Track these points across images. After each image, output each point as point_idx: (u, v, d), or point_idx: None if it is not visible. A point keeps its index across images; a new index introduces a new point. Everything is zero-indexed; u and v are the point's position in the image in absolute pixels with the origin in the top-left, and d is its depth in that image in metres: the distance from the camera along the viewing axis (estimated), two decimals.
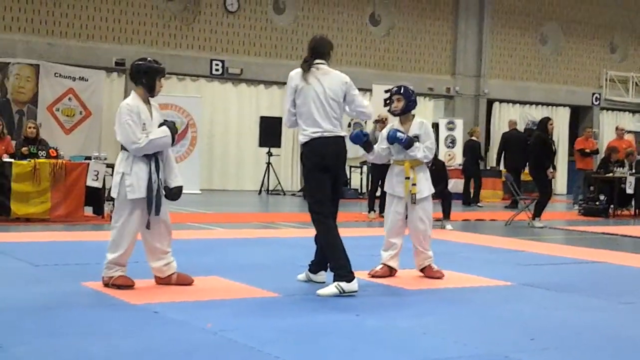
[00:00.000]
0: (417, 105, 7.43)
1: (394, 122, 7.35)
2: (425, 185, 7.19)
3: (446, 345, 4.71)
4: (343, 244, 6.21)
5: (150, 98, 6.26)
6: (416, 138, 7.14)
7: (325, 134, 6.26)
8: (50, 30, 18.80)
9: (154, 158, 6.15)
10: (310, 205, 6.34)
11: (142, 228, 6.18)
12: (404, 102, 7.20)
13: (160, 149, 6.17)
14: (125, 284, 6.10)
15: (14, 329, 4.75)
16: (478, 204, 17.95)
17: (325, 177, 6.27)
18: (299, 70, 6.39)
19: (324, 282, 6.45)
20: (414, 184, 7.10)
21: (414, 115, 7.35)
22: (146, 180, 6.08)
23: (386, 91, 17.62)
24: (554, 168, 13.55)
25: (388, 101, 7.35)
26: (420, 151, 7.13)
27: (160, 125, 6.21)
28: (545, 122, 13.55)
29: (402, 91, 7.23)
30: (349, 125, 21.80)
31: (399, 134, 7.10)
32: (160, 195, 6.15)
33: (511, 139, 18.66)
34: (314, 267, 6.62)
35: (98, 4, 19.29)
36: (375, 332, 5.01)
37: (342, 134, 6.40)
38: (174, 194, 6.28)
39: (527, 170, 15.89)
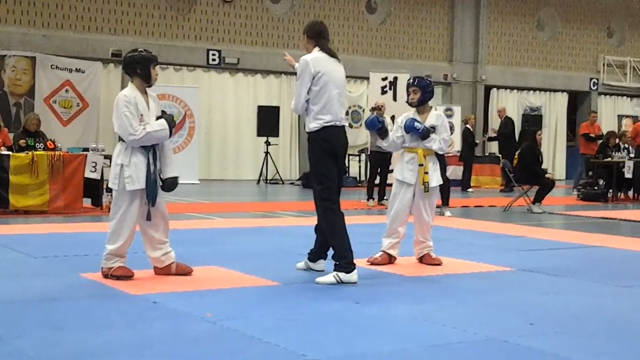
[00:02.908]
0: (433, 96, 7.42)
1: (410, 111, 7.35)
2: (435, 175, 7.21)
3: (446, 331, 4.72)
4: (348, 235, 6.21)
5: (147, 88, 6.25)
6: (432, 129, 7.15)
7: (338, 123, 6.25)
8: (46, 22, 18.75)
9: (151, 149, 6.14)
10: (318, 193, 6.27)
11: (140, 219, 6.18)
12: (420, 93, 7.23)
13: (158, 141, 6.16)
14: (125, 275, 6.10)
15: (14, 320, 4.75)
16: (469, 190, 18.02)
17: (334, 165, 6.26)
18: (317, 55, 6.28)
19: (322, 271, 6.46)
20: (426, 172, 7.11)
21: (431, 107, 7.38)
22: (145, 171, 6.08)
23: (383, 79, 17.62)
24: (545, 171, 13.76)
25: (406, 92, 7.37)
26: (437, 143, 7.16)
27: (159, 118, 6.20)
28: (533, 133, 13.88)
29: (417, 83, 7.25)
30: (347, 113, 21.81)
31: (416, 123, 7.11)
32: (157, 186, 6.15)
33: (505, 127, 18.95)
34: (313, 256, 6.62)
35: None
36: (375, 319, 5.01)
37: (347, 123, 6.40)
38: (169, 184, 6.27)
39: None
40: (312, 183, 6.38)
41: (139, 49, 6.35)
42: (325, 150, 6.21)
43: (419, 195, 7.18)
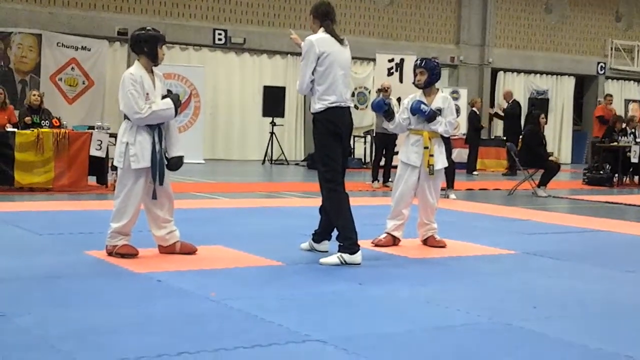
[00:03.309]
0: (439, 79, 7.38)
1: (417, 93, 7.31)
2: (440, 158, 7.19)
3: (449, 313, 4.72)
4: (352, 216, 6.20)
5: (154, 67, 6.24)
6: (439, 111, 7.13)
7: (343, 104, 6.23)
8: None
9: (157, 128, 6.14)
10: (322, 174, 6.26)
11: (146, 197, 6.18)
12: (427, 75, 7.19)
13: (163, 120, 6.16)
14: (129, 253, 6.11)
15: (17, 298, 4.77)
16: (474, 173, 18.02)
17: (339, 147, 6.24)
18: (322, 36, 6.25)
19: (326, 252, 6.46)
20: (431, 155, 7.09)
21: (438, 89, 7.35)
22: (150, 149, 6.08)
23: (389, 60, 17.56)
24: (550, 154, 13.69)
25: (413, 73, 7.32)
26: (442, 125, 7.13)
27: (164, 97, 6.19)
28: (536, 117, 13.75)
29: (424, 64, 7.21)
30: (353, 95, 21.76)
31: (422, 106, 7.08)
32: (163, 164, 6.15)
33: (512, 109, 18.94)
34: (317, 237, 6.63)
35: None
36: (379, 301, 5.02)
37: (352, 104, 6.39)
38: (174, 163, 6.27)
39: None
40: (317, 164, 6.36)
41: (147, 28, 6.33)
42: (330, 131, 6.19)
43: (424, 178, 7.17)
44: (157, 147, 6.10)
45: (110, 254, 6.14)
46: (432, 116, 7.09)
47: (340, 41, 6.33)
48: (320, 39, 6.24)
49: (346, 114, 6.29)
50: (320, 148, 6.29)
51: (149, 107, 6.04)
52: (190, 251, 6.35)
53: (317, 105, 6.22)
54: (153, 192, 6.14)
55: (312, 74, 6.20)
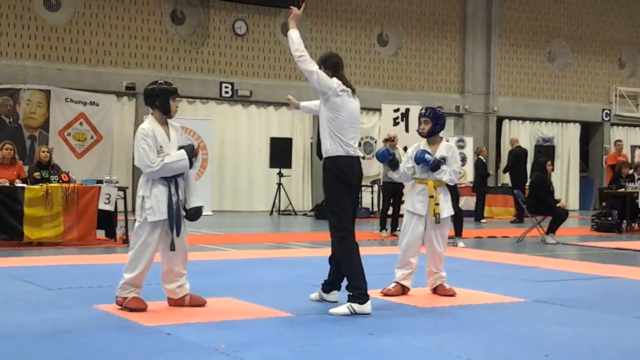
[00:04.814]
0: (444, 128, 7.43)
1: (421, 142, 7.36)
2: (446, 206, 7.21)
3: None
4: (362, 265, 6.20)
5: (168, 119, 6.31)
6: (443, 160, 7.17)
7: (352, 153, 6.28)
8: (60, 56, 18.95)
9: (173, 180, 6.18)
10: (332, 223, 6.28)
11: (163, 250, 6.21)
12: (431, 124, 7.24)
13: (177, 172, 6.20)
14: (138, 307, 6.11)
15: (28, 353, 4.76)
16: (482, 220, 18.01)
17: (349, 195, 6.28)
18: (339, 81, 6.31)
19: (336, 302, 6.44)
20: (437, 204, 7.11)
21: (441, 138, 7.39)
22: (166, 202, 6.12)
23: (395, 110, 17.67)
24: (557, 201, 13.67)
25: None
26: (447, 174, 7.17)
27: (180, 148, 6.24)
28: (543, 163, 13.83)
29: (428, 113, 7.26)
30: (360, 145, 21.83)
31: (427, 155, 7.12)
32: (180, 216, 6.18)
33: (517, 156, 19.01)
34: (327, 287, 6.62)
35: (108, 29, 19.45)
36: (390, 351, 5.00)
37: (361, 154, 6.49)
38: (193, 214, 6.30)
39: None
40: (327, 213, 6.39)
41: (159, 81, 6.43)
42: (339, 180, 6.22)
43: (431, 226, 7.18)
44: (174, 198, 6.14)
45: (119, 304, 6.15)
46: (436, 165, 7.12)
47: (352, 92, 6.40)
48: (339, 84, 6.31)
49: (355, 163, 6.33)
50: (330, 197, 6.32)
51: (161, 160, 6.10)
52: (199, 304, 6.35)
53: (330, 151, 6.26)
54: (171, 243, 6.17)
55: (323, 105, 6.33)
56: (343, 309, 6.08)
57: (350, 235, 6.25)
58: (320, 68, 6.37)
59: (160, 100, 6.25)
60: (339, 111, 6.26)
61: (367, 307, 6.09)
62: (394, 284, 7.15)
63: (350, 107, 6.33)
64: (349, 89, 6.35)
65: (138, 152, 6.14)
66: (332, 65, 6.43)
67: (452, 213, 7.35)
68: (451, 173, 7.20)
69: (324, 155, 6.34)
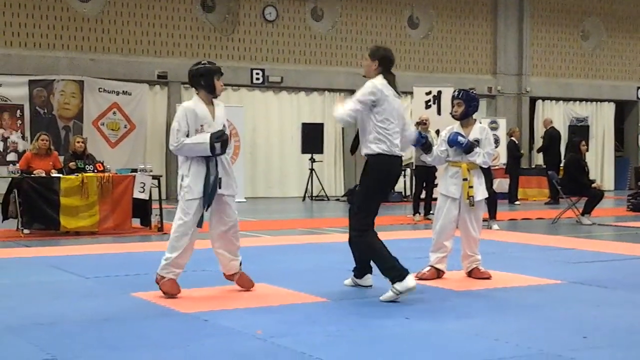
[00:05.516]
0: (477, 110, 7.37)
1: (454, 125, 7.31)
2: (480, 189, 7.17)
3: (498, 346, 4.68)
4: (386, 247, 6.14)
5: (213, 99, 6.37)
6: (477, 142, 7.13)
7: (396, 153, 6.25)
8: (93, 46, 19.08)
9: (213, 159, 6.22)
10: (359, 218, 6.23)
11: (216, 229, 6.31)
12: (464, 106, 7.20)
13: (197, 154, 6.20)
14: (170, 292, 6.17)
15: (67, 341, 4.82)
16: (516, 202, 17.91)
17: (383, 196, 6.35)
18: (383, 83, 6.24)
19: (370, 286, 6.44)
20: (470, 187, 7.07)
21: (475, 120, 7.35)
22: (202, 181, 6.17)
23: (427, 93, 17.58)
24: (593, 182, 13.53)
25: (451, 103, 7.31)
26: (481, 157, 7.13)
27: (216, 132, 6.24)
28: (577, 144, 13.69)
29: (461, 95, 7.22)
30: None
31: (460, 137, 7.08)
32: (214, 194, 6.22)
33: (551, 137, 18.85)
34: (358, 272, 6.62)
35: (139, 18, 19.53)
36: (426, 335, 5.00)
37: (403, 154, 6.44)
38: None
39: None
40: (357, 204, 6.34)
41: (202, 62, 6.50)
42: (379, 179, 6.21)
43: (465, 209, 7.14)
44: (211, 177, 6.18)
45: (157, 282, 6.24)
46: (469, 147, 7.07)
47: (397, 93, 6.35)
48: (383, 84, 6.23)
49: (396, 163, 6.29)
50: (365, 191, 6.30)
51: (183, 140, 6.14)
52: (246, 286, 6.45)
53: (376, 148, 6.17)
54: (200, 220, 6.23)
55: (367, 110, 6.17)
56: (389, 294, 6.01)
57: (370, 229, 6.20)
58: (369, 58, 6.34)
59: (204, 79, 6.32)
60: (383, 114, 6.19)
61: (409, 282, 5.97)
62: (429, 268, 7.13)
63: (392, 106, 6.24)
64: (388, 93, 6.22)
65: (172, 128, 6.27)
66: (384, 60, 6.33)
67: (486, 195, 7.31)
68: (484, 155, 7.16)
69: (370, 153, 6.23)
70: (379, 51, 6.39)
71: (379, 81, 6.25)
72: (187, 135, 6.18)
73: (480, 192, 7.19)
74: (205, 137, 6.19)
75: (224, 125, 6.34)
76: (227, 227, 6.39)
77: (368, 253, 6.28)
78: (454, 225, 7.19)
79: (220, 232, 6.38)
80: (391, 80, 6.32)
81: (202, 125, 6.20)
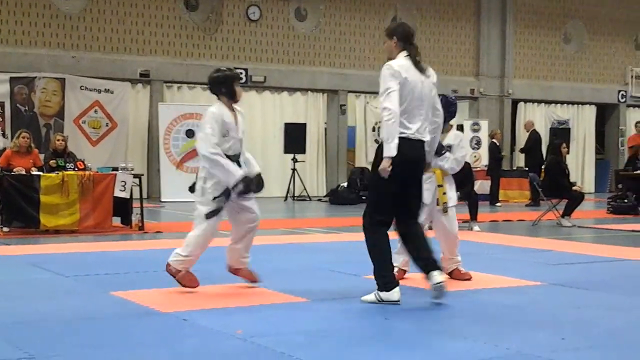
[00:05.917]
0: (455, 116, 7.37)
1: None
2: (452, 194, 7.21)
3: (478, 346, 4.70)
4: (390, 253, 6.00)
5: (234, 104, 6.47)
6: (448, 148, 7.14)
7: (412, 136, 5.87)
8: (75, 44, 18.98)
9: (235, 162, 6.40)
10: (369, 213, 6.01)
11: (235, 225, 6.57)
12: None
13: (220, 177, 6.28)
14: (190, 285, 6.33)
15: (46, 340, 4.80)
16: (497, 204, 18.00)
17: (394, 185, 5.84)
18: (403, 63, 5.93)
19: (442, 282, 5.93)
20: (444, 193, 7.09)
21: (452, 126, 7.37)
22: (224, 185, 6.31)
23: None
24: (573, 184, 13.62)
25: None
26: (449, 162, 7.15)
27: (250, 176, 6.45)
28: (558, 146, 13.79)
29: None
30: (373, 130, 21.84)
31: None
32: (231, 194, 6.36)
33: (534, 140, 19.02)
34: (424, 270, 6.05)
35: (122, 16, 19.44)
36: (406, 335, 5.00)
37: (427, 138, 6.03)
38: (257, 182, 6.63)
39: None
40: (367, 198, 6.32)
41: (221, 69, 6.64)
42: (394, 163, 5.73)
43: (439, 214, 7.15)
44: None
45: (170, 273, 6.35)
46: (438, 150, 7.03)
47: (422, 70, 6.06)
48: (402, 65, 5.95)
49: (415, 147, 5.90)
50: (374, 183, 6.07)
51: (221, 155, 6.23)
52: (251, 279, 6.64)
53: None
54: (209, 212, 6.34)
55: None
56: (371, 296, 5.95)
57: (385, 227, 6.00)
58: (388, 38, 6.16)
59: (225, 86, 6.42)
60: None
61: (394, 295, 5.86)
62: (396, 269, 7.10)
63: (407, 88, 5.90)
64: (406, 75, 5.89)
65: (204, 132, 6.29)
66: (403, 36, 6.13)
67: (456, 203, 7.34)
68: (452, 161, 7.18)
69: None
70: (396, 27, 6.25)
71: (396, 62, 5.95)
72: None
73: (453, 198, 7.24)
74: (237, 172, 6.30)
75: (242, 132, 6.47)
76: (254, 223, 6.71)
77: (369, 250, 6.06)
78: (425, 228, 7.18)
79: (247, 229, 6.66)
80: (413, 53, 6.06)
81: (227, 130, 6.32)
